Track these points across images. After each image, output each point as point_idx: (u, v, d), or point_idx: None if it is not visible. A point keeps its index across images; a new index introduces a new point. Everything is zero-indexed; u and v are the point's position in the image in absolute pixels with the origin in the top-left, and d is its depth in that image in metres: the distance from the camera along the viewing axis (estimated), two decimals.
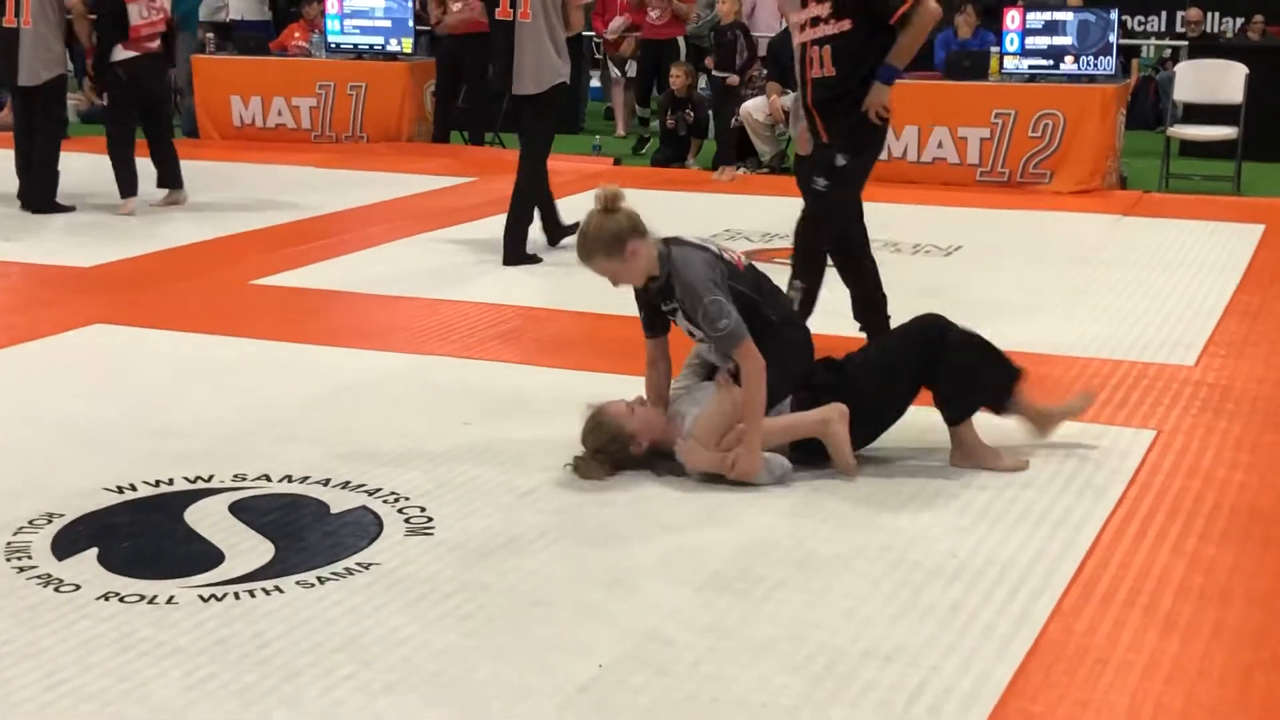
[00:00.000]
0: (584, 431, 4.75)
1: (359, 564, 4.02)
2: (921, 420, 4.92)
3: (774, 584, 3.91)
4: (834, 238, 6.04)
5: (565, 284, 7.51)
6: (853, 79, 5.67)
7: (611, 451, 4.73)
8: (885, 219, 9.49)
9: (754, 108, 11.62)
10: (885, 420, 4.87)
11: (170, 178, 9.96)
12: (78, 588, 3.86)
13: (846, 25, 5.65)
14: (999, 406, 4.93)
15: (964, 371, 4.80)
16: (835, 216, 5.95)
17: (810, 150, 5.93)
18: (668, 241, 4.73)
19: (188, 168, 10.11)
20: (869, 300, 6.15)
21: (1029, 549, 4.15)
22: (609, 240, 4.62)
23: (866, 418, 4.78)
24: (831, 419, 4.70)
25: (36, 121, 9.78)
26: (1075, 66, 10.94)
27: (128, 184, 9.65)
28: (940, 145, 11.08)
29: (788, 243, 8.56)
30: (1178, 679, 3.44)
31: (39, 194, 9.73)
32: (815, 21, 5.72)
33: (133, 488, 4.59)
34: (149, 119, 9.85)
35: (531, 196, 8.28)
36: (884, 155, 10.98)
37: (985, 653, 3.53)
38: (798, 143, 5.85)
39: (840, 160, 5.77)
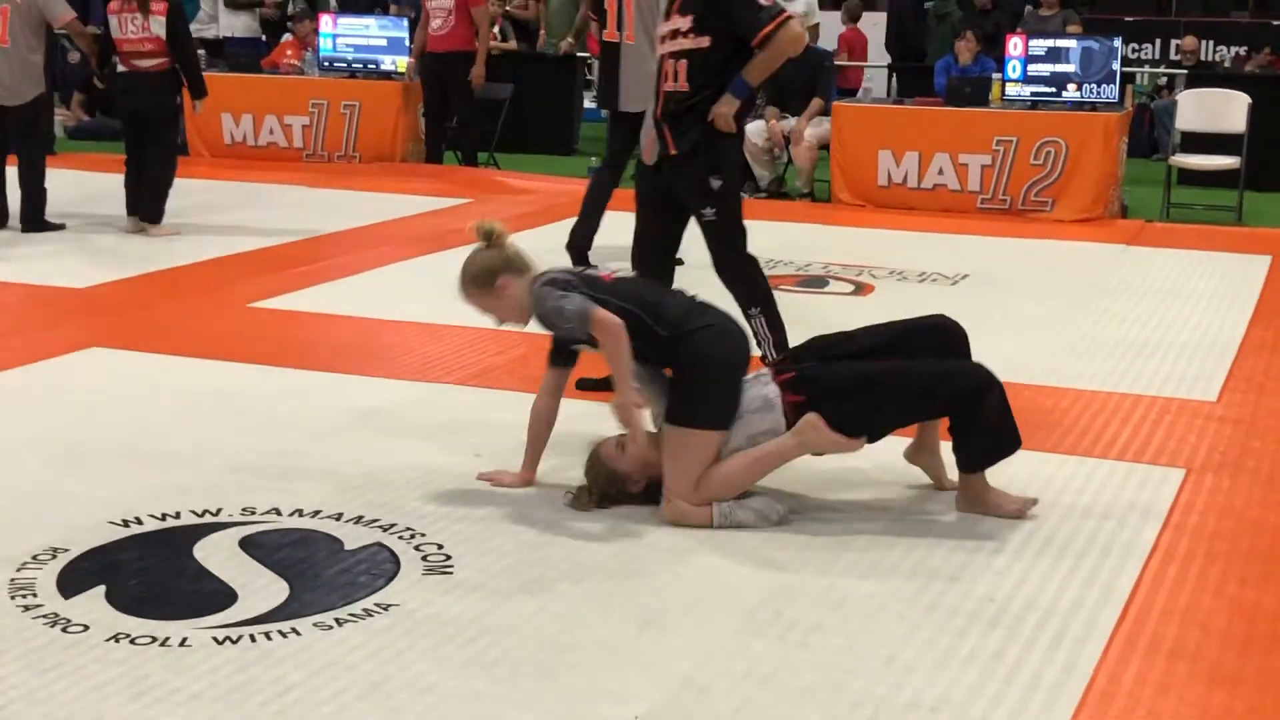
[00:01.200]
0: (585, 471, 4.66)
1: (378, 605, 3.87)
2: (945, 458, 4.80)
3: (809, 627, 3.78)
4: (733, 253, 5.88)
5: None
6: (703, 95, 5.59)
7: (611, 494, 4.61)
8: (890, 245, 9.47)
9: (752, 132, 11.50)
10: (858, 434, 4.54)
11: (145, 207, 9.60)
12: (86, 628, 3.71)
13: (706, 42, 5.56)
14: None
15: (991, 434, 4.59)
16: (730, 236, 5.86)
17: (654, 161, 5.79)
18: (539, 279, 4.59)
19: (179, 186, 9.92)
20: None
21: (1068, 593, 4.03)
22: (478, 274, 4.60)
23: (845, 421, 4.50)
24: (804, 433, 4.45)
25: (15, 141, 9.49)
26: (1078, 94, 10.87)
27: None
28: (941, 172, 11.00)
29: (789, 270, 8.55)
30: None
31: (29, 214, 9.52)
32: (675, 34, 5.65)
33: (138, 521, 4.44)
34: (143, 142, 9.64)
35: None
36: (884, 181, 11.18)
37: (1033, 706, 3.41)
38: (643, 151, 5.79)
39: (714, 183, 5.70)
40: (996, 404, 4.55)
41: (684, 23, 5.58)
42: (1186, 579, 4.16)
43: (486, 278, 4.58)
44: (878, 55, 15.04)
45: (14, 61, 9.35)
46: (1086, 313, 7.57)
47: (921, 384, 4.59)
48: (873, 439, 4.56)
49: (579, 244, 8.35)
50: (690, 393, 4.51)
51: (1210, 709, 3.43)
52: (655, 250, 6.01)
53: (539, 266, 4.72)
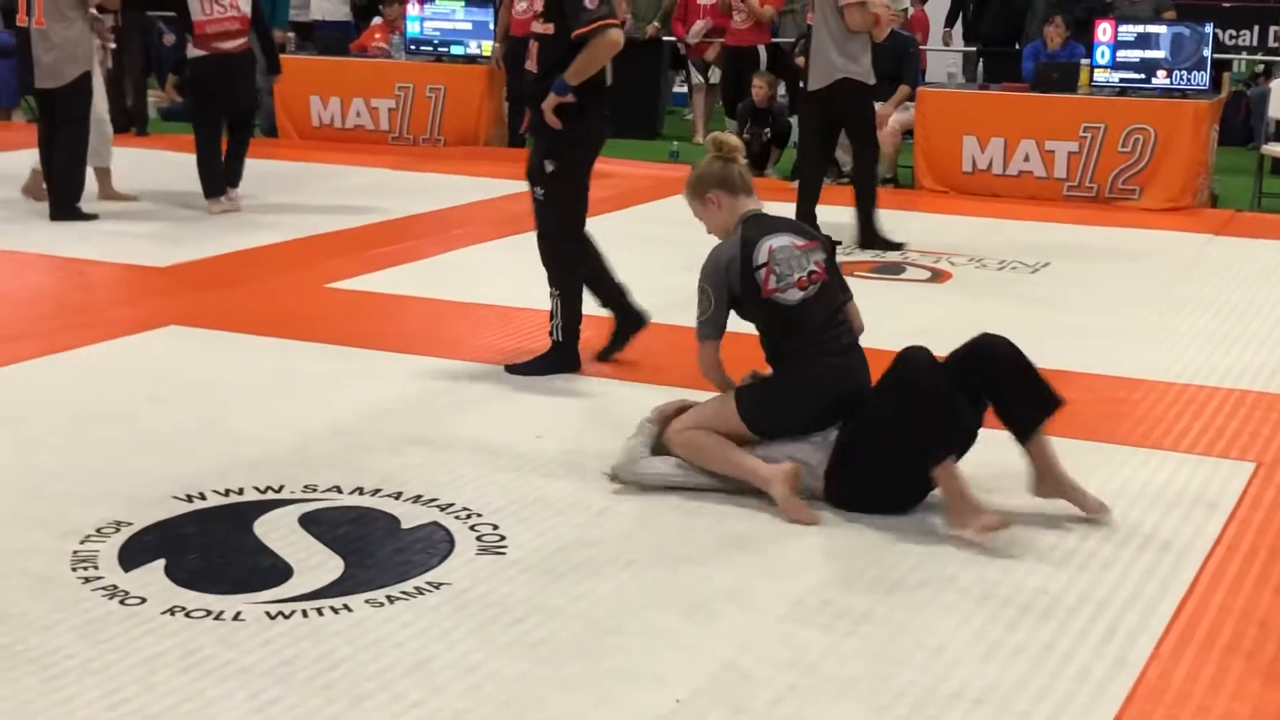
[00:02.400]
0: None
1: (429, 583, 3.91)
2: (1015, 448, 4.74)
3: (858, 616, 3.77)
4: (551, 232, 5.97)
5: (650, 295, 7.38)
6: (547, 80, 5.73)
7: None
8: (971, 232, 9.37)
9: None
10: (882, 490, 4.47)
11: (235, 178, 9.81)
12: (143, 601, 3.78)
13: (550, 29, 5.68)
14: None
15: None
16: (553, 216, 5.94)
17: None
18: (750, 223, 4.66)
19: (265, 167, 10.08)
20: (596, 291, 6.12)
21: (1125, 587, 3.97)
22: (698, 180, 4.79)
23: (855, 483, 4.49)
24: (773, 482, 4.44)
25: (57, 123, 9.15)
26: (1167, 80, 10.68)
27: (211, 184, 9.61)
28: (1027, 158, 10.85)
29: (869, 255, 8.48)
30: None
31: (60, 200, 9.16)
32: (534, 17, 5.84)
33: (202, 496, 4.51)
34: (230, 123, 9.78)
35: (873, 177, 8.81)
36: (968, 167, 11.06)
37: (1080, 699, 3.37)
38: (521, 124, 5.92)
39: (548, 166, 5.82)
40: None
41: (537, 4, 5.83)
42: (1248, 575, 4.09)
43: (701, 186, 4.77)
44: (935, 38, 14.87)
45: (50, 42, 9.01)
46: (1167, 303, 7.44)
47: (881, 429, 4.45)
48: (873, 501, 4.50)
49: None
50: (766, 394, 4.64)
51: (1264, 706, 3.37)
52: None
53: (759, 202, 4.78)
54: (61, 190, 9.18)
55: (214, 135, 9.67)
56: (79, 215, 9.17)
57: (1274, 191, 11.00)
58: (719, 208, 4.74)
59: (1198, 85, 10.66)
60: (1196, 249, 9.02)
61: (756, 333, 4.75)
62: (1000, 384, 4.50)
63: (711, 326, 4.67)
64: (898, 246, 8.77)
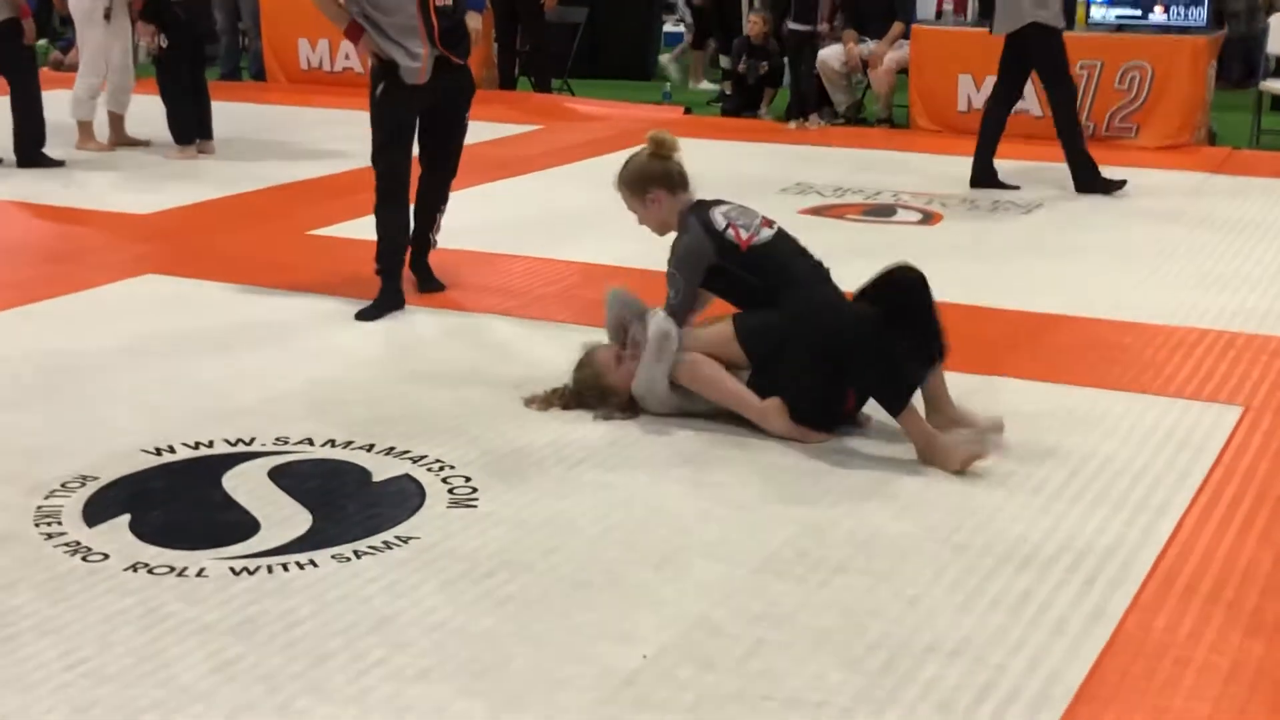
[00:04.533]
0: (574, 370, 4.81)
1: (398, 537, 3.84)
2: (1003, 394, 4.67)
3: (834, 567, 3.70)
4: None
5: (636, 242, 7.29)
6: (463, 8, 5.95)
7: (589, 400, 4.75)
8: (965, 173, 9.23)
9: (830, 56, 11.30)
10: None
11: (202, 126, 9.65)
12: (106, 557, 3.71)
13: None
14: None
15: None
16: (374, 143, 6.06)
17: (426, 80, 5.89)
18: (695, 206, 4.78)
19: (252, 111, 9.97)
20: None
21: (1106, 535, 3.91)
22: (635, 178, 4.82)
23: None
24: (767, 412, 4.54)
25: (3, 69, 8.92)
26: (1165, 17, 10.52)
27: (183, 130, 9.50)
28: (1023, 97, 10.68)
29: (860, 198, 8.38)
30: (1264, 684, 3.20)
31: (22, 146, 9.01)
32: None
33: (171, 450, 4.44)
34: (200, 67, 9.69)
35: (1073, 117, 8.72)
36: (964, 106, 10.91)
37: (1056, 650, 3.30)
38: (418, 74, 5.85)
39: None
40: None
41: None
42: (1231, 522, 4.02)
43: (640, 185, 4.82)
44: None
45: None
46: (1162, 244, 7.34)
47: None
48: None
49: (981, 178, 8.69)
50: (766, 321, 4.64)
51: (1244, 658, 3.30)
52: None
53: (697, 192, 4.84)
54: (29, 136, 9.04)
55: (184, 77, 9.51)
56: (46, 161, 9.04)
57: (1273, 128, 10.86)
58: (659, 205, 4.79)
59: (1196, 21, 10.49)
60: (1193, 187, 8.91)
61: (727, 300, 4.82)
62: (905, 320, 4.58)
63: (685, 308, 4.72)
64: (1120, 185, 8.59)
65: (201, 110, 9.62)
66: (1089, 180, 8.62)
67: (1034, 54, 8.64)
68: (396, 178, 6.00)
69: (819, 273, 4.79)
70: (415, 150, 6.11)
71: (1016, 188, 8.70)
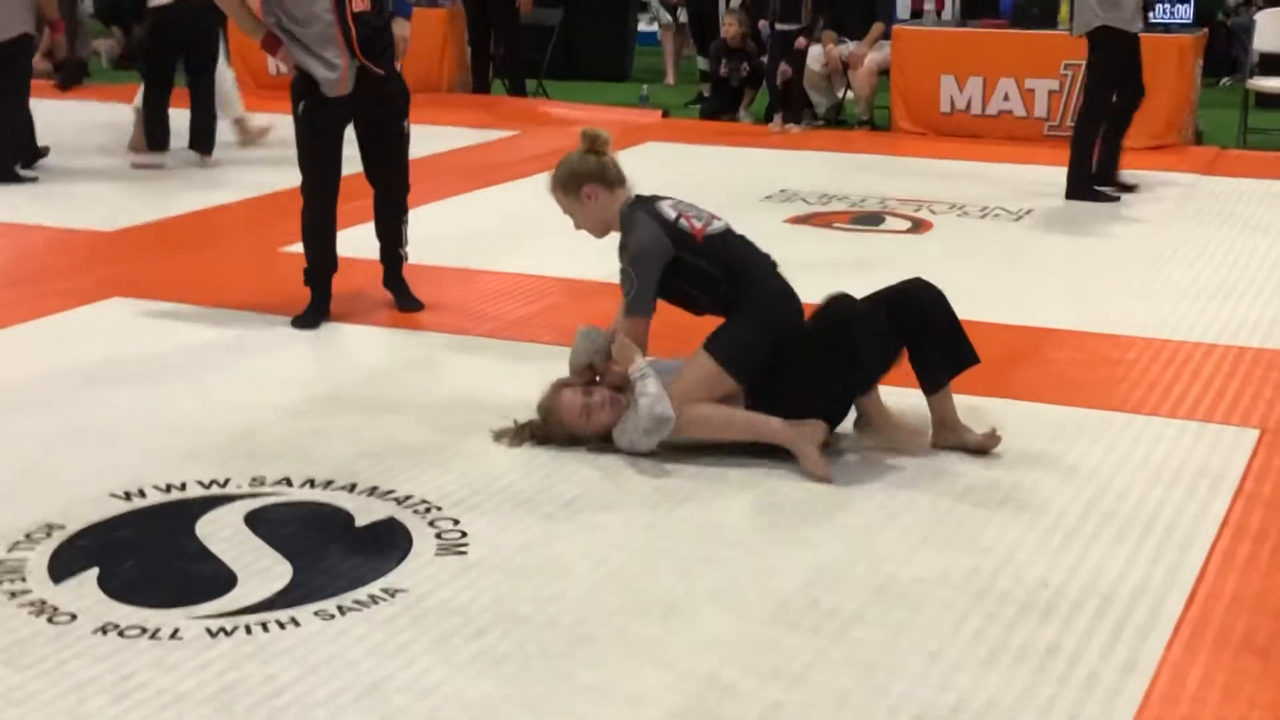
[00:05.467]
0: (539, 412, 4.57)
1: (384, 590, 3.62)
2: (1008, 416, 4.48)
3: (848, 617, 3.49)
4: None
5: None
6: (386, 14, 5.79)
7: (555, 438, 4.53)
8: (951, 177, 9.08)
9: (810, 58, 11.09)
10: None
11: (201, 140, 9.42)
12: (73, 618, 3.48)
13: None
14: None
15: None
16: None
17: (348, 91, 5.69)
18: (636, 202, 4.58)
19: (221, 120, 9.67)
20: None
21: (1130, 577, 3.71)
22: (566, 177, 4.61)
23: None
24: (800, 439, 4.35)
25: None
26: (1150, 15, 10.34)
27: (155, 138, 9.23)
28: (1006, 97, 10.55)
29: (846, 205, 8.18)
30: None
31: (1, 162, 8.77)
32: None
33: (141, 494, 4.21)
34: (190, 73, 9.40)
35: (1093, 127, 8.43)
36: (946, 108, 10.74)
37: (1090, 710, 3.11)
38: (338, 85, 5.66)
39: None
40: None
41: None
42: (1259, 559, 3.83)
43: (574, 182, 4.59)
44: None
45: None
46: (1157, 251, 7.17)
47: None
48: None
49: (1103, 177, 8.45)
50: (739, 338, 4.47)
51: None
52: None
53: (635, 188, 4.64)
54: (8, 151, 8.82)
55: (162, 84, 9.26)
56: (16, 178, 8.80)
57: (1260, 127, 10.70)
58: (595, 201, 4.58)
59: (1181, 19, 10.35)
60: (1184, 190, 8.73)
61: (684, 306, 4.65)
62: (922, 336, 4.49)
63: (643, 301, 4.50)
64: (1114, 199, 8.39)
65: (198, 124, 9.35)
66: (1081, 189, 8.43)
67: (1093, 52, 8.37)
68: (315, 190, 5.86)
69: (771, 267, 4.63)
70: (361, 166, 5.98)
71: (1134, 187, 8.50)
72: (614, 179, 4.59)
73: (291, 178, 8.76)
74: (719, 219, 4.63)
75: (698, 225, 4.53)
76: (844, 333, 4.41)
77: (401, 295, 6.06)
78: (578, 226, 4.71)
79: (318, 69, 5.62)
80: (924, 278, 4.66)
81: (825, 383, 4.44)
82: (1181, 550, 3.87)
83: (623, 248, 4.55)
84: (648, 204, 4.59)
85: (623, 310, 4.54)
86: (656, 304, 4.56)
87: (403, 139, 5.92)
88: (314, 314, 5.90)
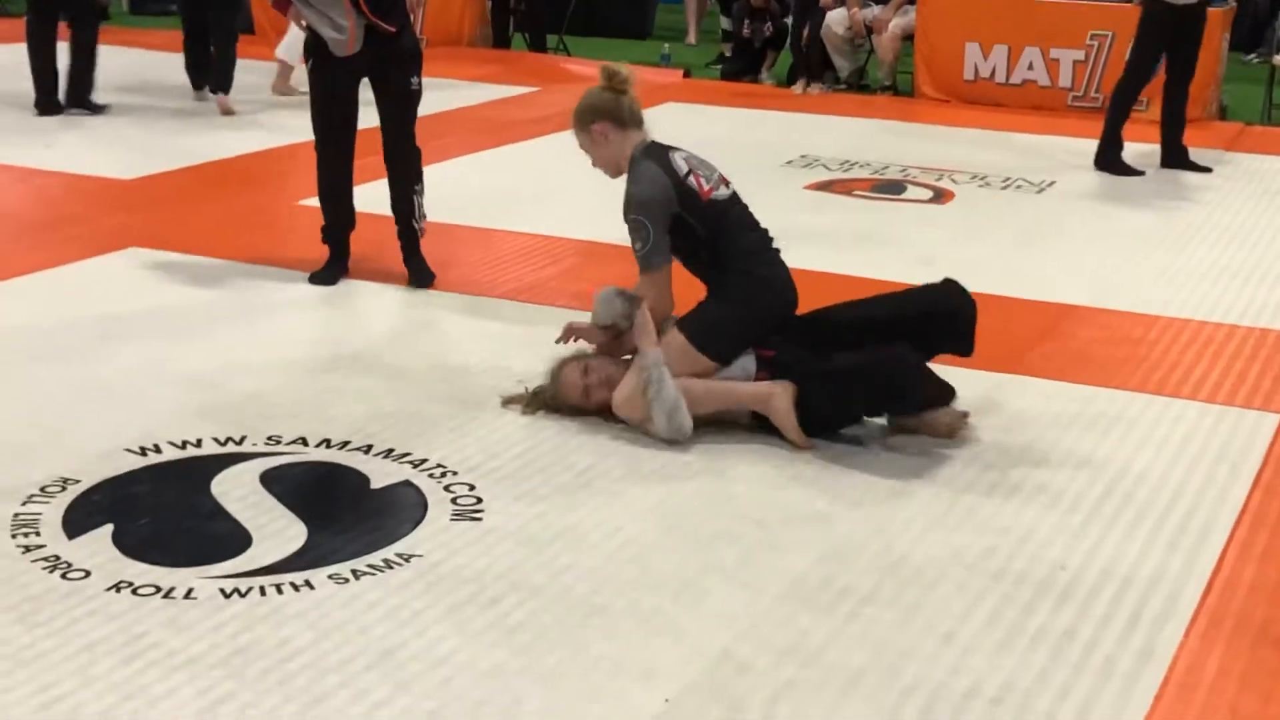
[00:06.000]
0: (547, 386, 4.55)
1: (399, 555, 3.60)
2: (1027, 395, 4.45)
3: (862, 597, 3.48)
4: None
5: None
6: None
7: (564, 410, 4.51)
8: (974, 146, 9.01)
9: (834, 20, 11.02)
10: (832, 426, 4.43)
11: (217, 78, 9.51)
12: (87, 574, 3.47)
13: None
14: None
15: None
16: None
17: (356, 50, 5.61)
18: (649, 149, 4.49)
19: (242, 68, 9.64)
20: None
21: (1148, 562, 3.69)
22: (583, 110, 4.51)
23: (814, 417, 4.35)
24: (775, 393, 4.30)
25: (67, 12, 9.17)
26: None
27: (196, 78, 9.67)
28: (1031, 67, 10.48)
29: (868, 172, 8.13)
30: None
31: (77, 92, 9.22)
32: None
33: (156, 449, 4.19)
34: (205, 17, 9.43)
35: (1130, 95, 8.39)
36: (970, 75, 10.66)
37: (1106, 698, 3.09)
38: (345, 45, 5.58)
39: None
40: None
41: None
42: (1278, 548, 3.80)
43: (586, 117, 4.50)
44: None
45: None
46: (1180, 228, 7.11)
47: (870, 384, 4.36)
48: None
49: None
50: (716, 319, 4.44)
51: None
52: None
53: (651, 132, 4.55)
54: (79, 82, 9.17)
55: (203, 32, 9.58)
56: (95, 107, 9.20)
57: None
58: (606, 140, 4.49)
59: None
60: (1208, 165, 8.64)
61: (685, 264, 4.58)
62: (940, 343, 4.49)
63: (659, 254, 4.42)
64: (1139, 173, 8.33)
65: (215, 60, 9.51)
66: (1106, 159, 8.35)
67: (1140, 22, 8.30)
68: (328, 148, 5.81)
69: (766, 243, 4.56)
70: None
71: (1208, 170, 8.40)
72: (627, 119, 4.48)
73: (304, 129, 8.77)
74: (727, 184, 4.56)
75: (706, 186, 4.46)
76: (884, 370, 4.30)
77: (415, 270, 5.88)
78: (594, 164, 4.61)
79: (325, 29, 5.56)
80: (958, 284, 4.57)
81: (842, 385, 4.33)
82: (1200, 537, 3.84)
83: (627, 197, 4.45)
84: (660, 153, 4.49)
85: (640, 266, 4.47)
86: (671, 257, 4.48)
87: (412, 95, 5.81)
88: (331, 271, 5.87)
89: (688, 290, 4.58)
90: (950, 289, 4.57)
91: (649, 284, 4.45)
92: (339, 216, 5.91)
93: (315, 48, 5.66)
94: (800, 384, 4.31)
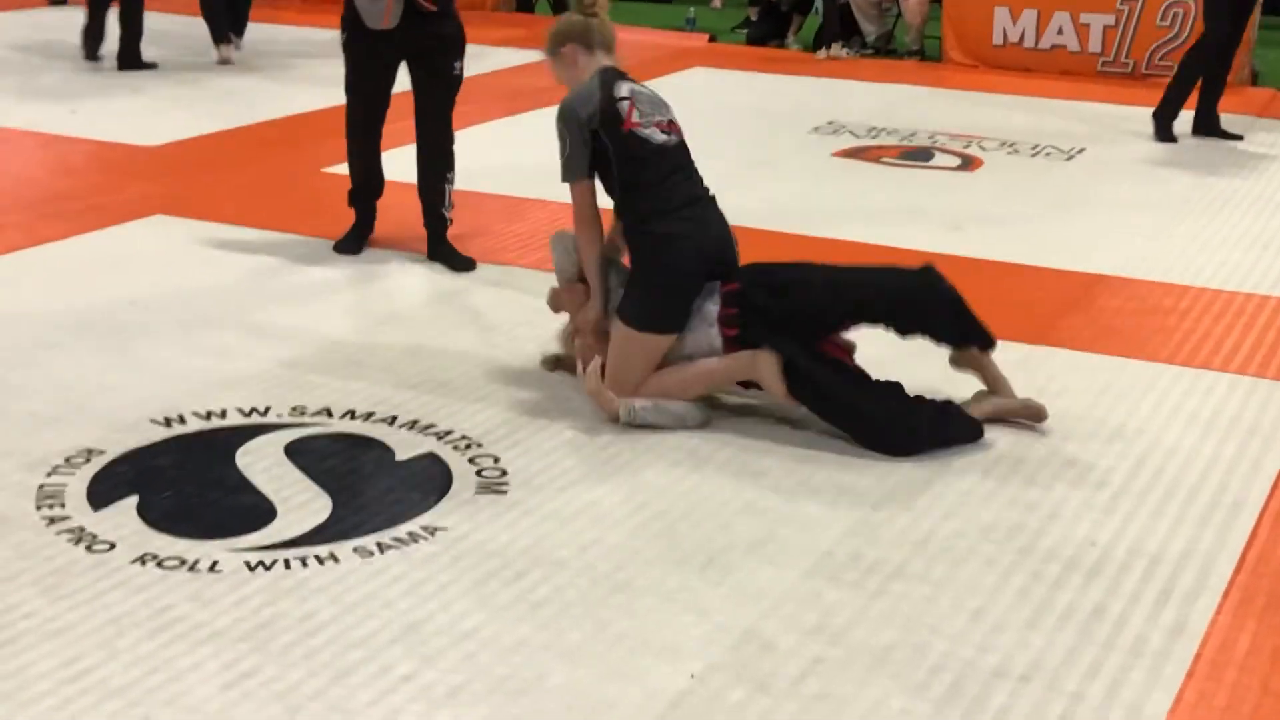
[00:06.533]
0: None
1: (424, 528, 3.59)
2: (1055, 366, 4.41)
3: (889, 573, 3.45)
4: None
5: None
6: None
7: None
8: (1002, 112, 8.94)
9: None
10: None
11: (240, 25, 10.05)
12: (112, 546, 3.47)
13: None
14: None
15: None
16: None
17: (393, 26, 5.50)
18: (604, 70, 4.39)
19: (268, 32, 9.69)
20: None
21: (1179, 537, 3.65)
22: (555, 33, 4.48)
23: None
24: (759, 361, 4.17)
25: None
26: None
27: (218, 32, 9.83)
28: (1060, 31, 10.37)
29: (895, 139, 8.06)
30: None
31: (125, 51, 9.55)
32: None
33: (181, 420, 4.19)
34: None
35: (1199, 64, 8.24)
36: (999, 39, 10.56)
37: (1135, 675, 3.06)
38: (380, 17, 5.48)
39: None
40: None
41: None
42: None
43: (556, 39, 4.47)
44: None
45: None
46: (1211, 197, 7.04)
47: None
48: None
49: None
50: (640, 293, 4.32)
51: None
52: None
53: (616, 61, 4.44)
54: (130, 41, 9.53)
55: None
56: (142, 64, 9.59)
57: None
58: (574, 63, 4.42)
59: None
60: (1240, 132, 8.54)
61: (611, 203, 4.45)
62: (932, 322, 4.29)
63: (575, 166, 4.31)
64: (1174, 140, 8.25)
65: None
66: (1162, 125, 8.31)
67: None
68: (358, 122, 5.75)
69: (687, 200, 4.34)
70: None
71: (1239, 137, 8.31)
72: (595, 43, 4.39)
73: (330, 95, 8.74)
74: (671, 134, 4.35)
75: (635, 119, 4.29)
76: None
77: (450, 258, 5.74)
78: (558, 83, 4.53)
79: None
80: (931, 271, 4.34)
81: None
82: (1231, 511, 3.81)
83: (561, 108, 4.34)
84: (610, 75, 4.36)
85: (561, 176, 4.35)
86: (589, 168, 4.33)
87: (453, 81, 5.68)
88: (355, 238, 5.84)
89: None
90: (926, 279, 4.31)
91: (574, 198, 4.36)
92: (367, 181, 5.86)
93: (350, 19, 5.54)
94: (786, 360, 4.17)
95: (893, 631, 3.20)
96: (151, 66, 9.58)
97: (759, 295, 4.23)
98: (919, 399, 4.18)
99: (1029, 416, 4.28)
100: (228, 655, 3.04)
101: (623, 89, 4.33)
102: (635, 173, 4.29)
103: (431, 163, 5.75)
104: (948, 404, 4.21)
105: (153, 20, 9.88)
